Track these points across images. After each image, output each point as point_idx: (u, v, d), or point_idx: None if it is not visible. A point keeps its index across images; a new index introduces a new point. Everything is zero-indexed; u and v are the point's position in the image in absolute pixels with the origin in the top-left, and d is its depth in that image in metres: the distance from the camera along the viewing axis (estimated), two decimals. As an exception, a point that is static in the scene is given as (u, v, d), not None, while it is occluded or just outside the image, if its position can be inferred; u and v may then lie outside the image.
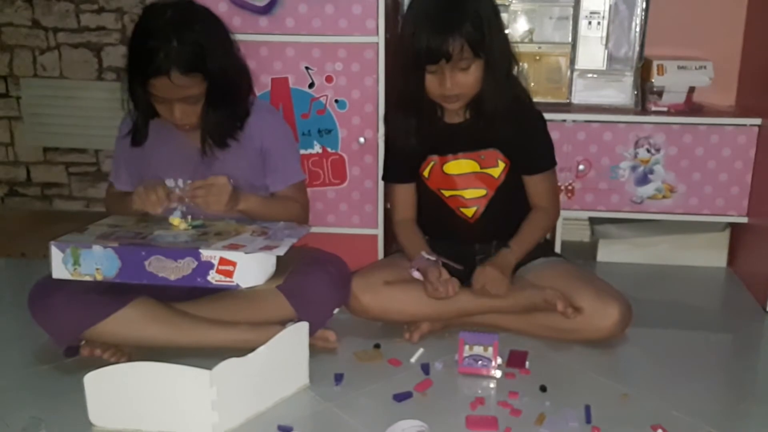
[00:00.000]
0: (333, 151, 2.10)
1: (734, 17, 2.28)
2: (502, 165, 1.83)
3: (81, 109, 2.71)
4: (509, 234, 1.84)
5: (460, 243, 1.88)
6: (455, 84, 1.69)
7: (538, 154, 1.85)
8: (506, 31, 1.78)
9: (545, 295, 1.74)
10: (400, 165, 1.90)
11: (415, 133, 1.80)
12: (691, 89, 2.17)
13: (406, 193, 1.91)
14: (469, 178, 1.84)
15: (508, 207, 1.86)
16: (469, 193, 1.85)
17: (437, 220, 1.90)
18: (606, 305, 1.73)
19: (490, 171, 1.83)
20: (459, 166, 1.84)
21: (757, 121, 2.09)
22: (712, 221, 2.23)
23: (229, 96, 1.71)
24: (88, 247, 1.51)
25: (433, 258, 1.76)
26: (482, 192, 1.84)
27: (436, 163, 1.85)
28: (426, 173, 1.87)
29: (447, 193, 1.87)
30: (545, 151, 1.88)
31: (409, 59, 1.70)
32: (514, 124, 1.77)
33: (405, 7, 2.15)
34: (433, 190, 1.88)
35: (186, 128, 1.71)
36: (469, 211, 1.87)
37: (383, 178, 2.00)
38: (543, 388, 1.57)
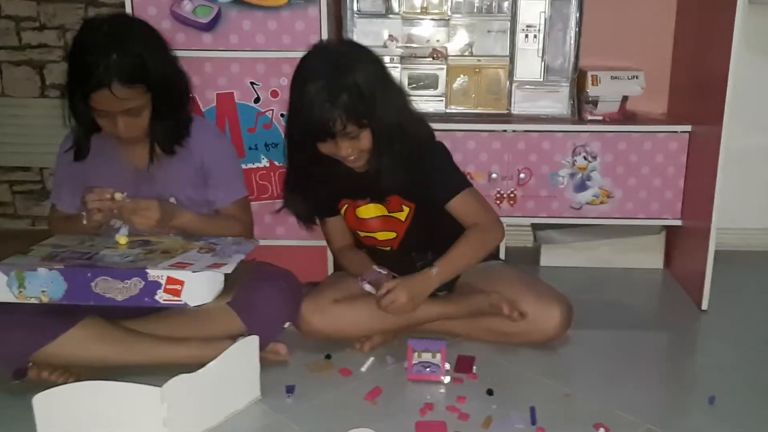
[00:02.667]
0: (280, 164, 2.12)
1: (664, 29, 2.37)
2: (406, 210, 1.86)
3: (24, 126, 2.67)
4: (443, 248, 1.83)
5: (395, 256, 1.92)
6: (349, 152, 1.70)
7: (444, 181, 1.83)
8: (394, 85, 1.77)
9: (491, 300, 1.79)
10: (323, 203, 1.91)
11: (324, 184, 1.82)
12: (625, 98, 2.25)
13: (336, 224, 1.94)
14: (378, 222, 1.88)
15: (422, 243, 1.89)
16: (381, 236, 1.89)
17: (366, 247, 1.95)
18: (548, 308, 1.79)
19: (396, 215, 1.87)
20: (368, 210, 1.87)
21: (688, 127, 2.18)
22: (648, 225, 2.31)
23: (172, 104, 1.71)
24: (33, 269, 1.50)
25: (384, 271, 1.79)
26: (392, 235, 1.89)
27: (349, 207, 1.89)
28: (342, 213, 1.91)
29: (362, 234, 1.92)
30: (451, 176, 1.85)
31: (298, 137, 1.73)
32: (413, 168, 1.77)
33: (346, 23, 2.21)
34: (349, 228, 1.93)
35: (129, 141, 1.71)
36: (384, 248, 1.91)
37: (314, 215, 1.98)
38: (490, 392, 1.62)
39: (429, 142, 1.86)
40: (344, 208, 1.90)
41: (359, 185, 1.83)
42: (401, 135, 1.73)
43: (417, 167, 1.78)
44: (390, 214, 1.87)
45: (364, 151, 1.72)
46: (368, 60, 1.71)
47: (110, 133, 1.68)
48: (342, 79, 1.63)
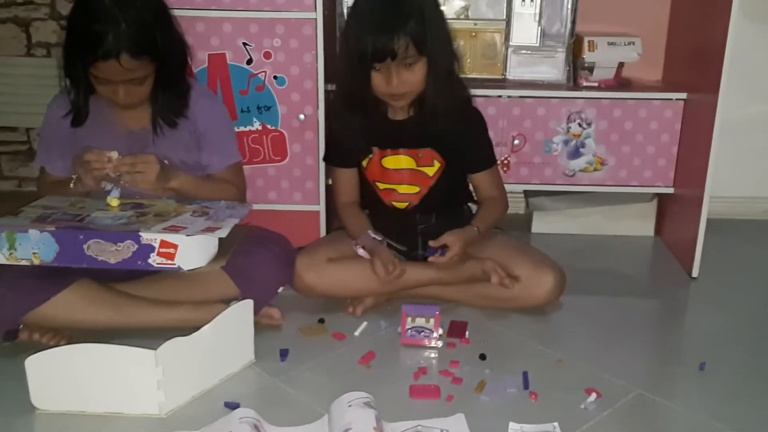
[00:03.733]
0: (273, 127, 2.10)
1: (661, -6, 2.35)
2: (437, 165, 1.87)
3: (10, 86, 2.62)
4: (447, 214, 1.90)
5: (400, 217, 1.92)
6: (401, 82, 1.71)
7: (480, 153, 1.90)
8: (450, 33, 1.81)
9: (484, 267, 1.79)
10: (343, 152, 1.92)
11: (359, 129, 1.82)
12: (621, 65, 2.24)
13: (348, 177, 1.93)
14: (404, 174, 1.88)
15: (440, 203, 1.91)
16: (403, 189, 1.89)
17: (372, 206, 1.95)
18: (541, 274, 1.79)
19: (425, 170, 1.87)
20: (397, 161, 1.87)
21: (683, 95, 2.17)
22: (641, 192, 2.32)
23: (174, 74, 1.69)
24: (24, 231, 1.48)
25: (378, 237, 1.79)
26: (415, 189, 1.89)
27: (375, 156, 1.88)
28: (365, 163, 1.90)
29: (381, 186, 1.90)
30: (487, 150, 1.92)
31: (354, 58, 1.72)
32: (456, 124, 1.81)
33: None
34: (369, 180, 1.92)
35: (127, 107, 1.69)
36: (401, 205, 1.91)
37: (325, 160, 2.01)
38: (482, 357, 1.63)
39: (470, 105, 1.89)
40: (369, 157, 1.88)
41: (395, 132, 1.84)
42: (451, 82, 1.78)
43: (460, 126, 1.81)
44: (419, 168, 1.87)
45: (411, 88, 1.73)
46: None
47: (108, 99, 1.65)
48: (409, 2, 1.68)
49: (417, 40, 1.67)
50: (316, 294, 1.83)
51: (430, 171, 1.87)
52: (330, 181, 2.03)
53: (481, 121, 1.91)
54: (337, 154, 1.94)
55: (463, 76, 1.87)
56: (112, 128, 1.73)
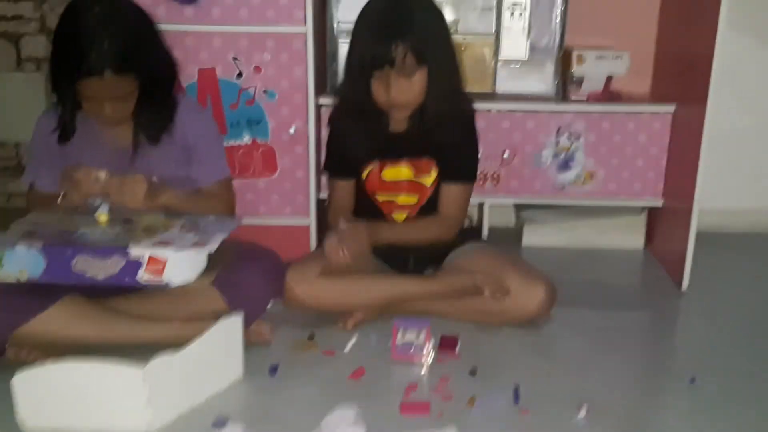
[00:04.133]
0: (263, 141, 2.10)
1: (649, 8, 2.36)
2: (434, 174, 1.88)
3: (-2, 100, 2.62)
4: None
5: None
6: (400, 91, 1.72)
7: (462, 164, 1.90)
8: (453, 44, 1.83)
9: (476, 280, 1.79)
10: (344, 163, 1.92)
11: (360, 140, 1.84)
12: (609, 78, 2.25)
13: (345, 188, 1.94)
14: (403, 185, 1.89)
15: (436, 208, 1.91)
16: (402, 200, 1.90)
17: (369, 219, 1.93)
18: (532, 287, 1.79)
19: (422, 180, 1.89)
20: (396, 172, 1.88)
21: (671, 107, 2.18)
22: (630, 205, 2.33)
23: (160, 90, 1.69)
24: (11, 247, 1.47)
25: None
26: (414, 199, 1.90)
27: (375, 168, 1.89)
28: (364, 175, 1.91)
29: (381, 198, 1.91)
30: (470, 164, 1.92)
31: (356, 65, 1.73)
32: (453, 135, 1.82)
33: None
34: (368, 193, 1.92)
35: (114, 123, 1.68)
36: (399, 217, 1.92)
37: (325, 168, 2.01)
38: (473, 372, 1.62)
39: (472, 119, 1.90)
40: (369, 169, 1.89)
41: (396, 144, 1.85)
42: (452, 94, 1.79)
43: (455, 134, 1.83)
44: (416, 179, 1.88)
45: (411, 98, 1.75)
46: (434, 7, 1.80)
47: (95, 115, 1.65)
48: (409, 11, 1.71)
49: (417, 49, 1.69)
50: (306, 307, 1.82)
51: (428, 180, 1.88)
52: (326, 197, 2.03)
53: (473, 133, 1.91)
54: (338, 165, 1.94)
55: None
56: (100, 144, 1.73)
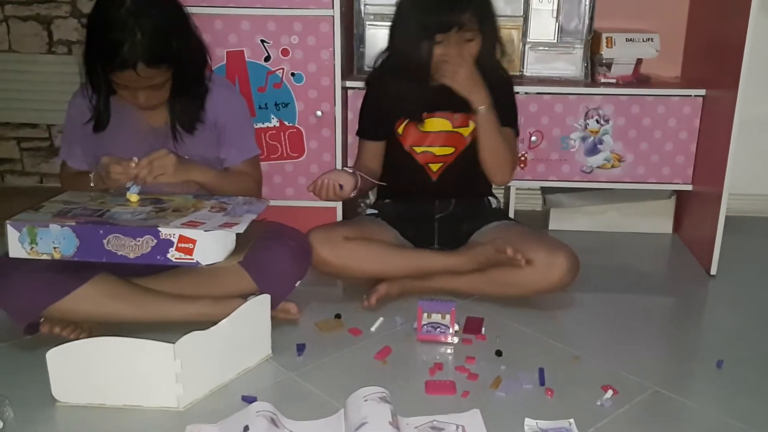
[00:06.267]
0: (290, 124, 2.11)
1: (680, -9, 2.33)
2: (472, 126, 1.91)
3: (32, 83, 2.65)
4: (468, 194, 1.96)
5: (420, 202, 1.97)
6: (460, 53, 1.79)
7: (506, 112, 1.93)
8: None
9: (495, 245, 1.80)
10: (376, 123, 1.98)
11: (401, 93, 1.89)
12: (639, 61, 2.23)
13: (375, 148, 1.99)
14: (440, 136, 1.94)
15: (470, 168, 1.94)
16: (439, 150, 1.95)
17: (402, 177, 1.98)
18: (555, 255, 1.79)
19: (461, 130, 1.93)
20: (433, 124, 1.93)
21: (702, 91, 2.16)
22: (659, 189, 2.31)
23: (193, 78, 1.70)
24: (45, 225, 1.50)
25: (350, 170, 1.83)
26: (450, 150, 1.95)
27: (414, 121, 1.93)
28: (400, 130, 1.95)
29: (418, 150, 1.95)
30: (514, 115, 1.98)
31: (417, 29, 1.78)
32: (495, 89, 1.87)
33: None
34: (404, 146, 1.96)
35: (148, 109, 1.70)
36: (435, 166, 1.96)
37: (358, 133, 2.03)
38: (498, 353, 1.63)
39: (510, 80, 2.02)
40: (405, 122, 1.94)
41: (435, 96, 1.89)
42: (493, 62, 1.91)
43: (498, 92, 1.89)
44: (454, 129, 1.93)
45: (470, 62, 1.81)
46: None
47: (130, 102, 1.67)
48: None
49: (479, 15, 1.79)
50: (329, 270, 1.84)
51: (466, 131, 1.93)
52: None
53: (512, 94, 2.01)
54: (372, 125, 1.99)
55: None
56: (134, 126, 1.75)
